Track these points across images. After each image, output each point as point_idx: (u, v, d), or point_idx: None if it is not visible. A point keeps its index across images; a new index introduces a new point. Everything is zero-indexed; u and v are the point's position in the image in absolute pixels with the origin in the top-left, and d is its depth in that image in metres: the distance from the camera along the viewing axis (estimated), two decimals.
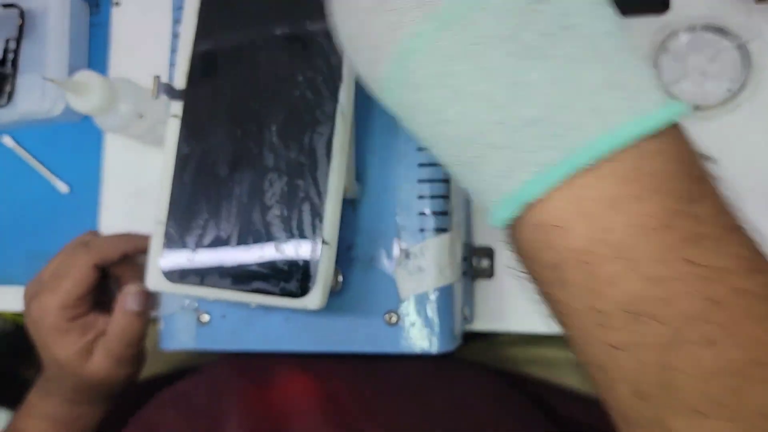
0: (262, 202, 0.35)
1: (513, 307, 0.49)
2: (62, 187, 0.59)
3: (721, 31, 0.44)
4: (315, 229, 0.34)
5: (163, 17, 0.58)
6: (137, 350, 0.49)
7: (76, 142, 0.59)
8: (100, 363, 0.47)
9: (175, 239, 0.36)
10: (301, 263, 0.34)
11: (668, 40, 0.45)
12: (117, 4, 0.60)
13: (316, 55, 0.35)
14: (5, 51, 0.57)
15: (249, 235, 0.35)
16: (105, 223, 0.58)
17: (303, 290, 0.34)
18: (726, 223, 0.20)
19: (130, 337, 0.47)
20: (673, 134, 0.20)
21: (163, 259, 0.36)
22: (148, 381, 0.59)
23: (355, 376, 0.44)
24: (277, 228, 0.35)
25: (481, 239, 0.50)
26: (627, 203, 0.19)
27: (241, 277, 0.35)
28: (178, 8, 0.46)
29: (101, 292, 0.52)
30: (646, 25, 0.46)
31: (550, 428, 0.46)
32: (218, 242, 0.36)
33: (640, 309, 0.19)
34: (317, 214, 0.34)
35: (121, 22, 0.60)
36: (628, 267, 0.19)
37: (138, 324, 0.48)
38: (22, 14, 0.57)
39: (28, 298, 0.49)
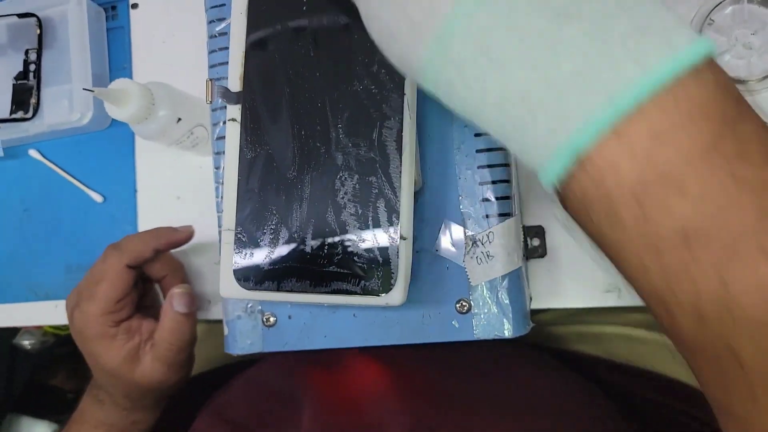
0: (334, 201, 0.35)
1: (565, 285, 0.49)
2: (96, 197, 0.58)
3: (766, 3, 0.44)
4: (392, 224, 0.34)
5: (183, 16, 0.58)
6: (187, 354, 0.48)
7: (106, 150, 0.58)
8: (151, 368, 0.47)
9: (246, 245, 0.36)
10: (381, 260, 0.34)
11: (713, 13, 0.44)
12: (135, 6, 0.59)
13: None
14: (26, 62, 0.56)
15: (324, 236, 0.35)
16: (143, 229, 0.58)
17: (385, 287, 0.34)
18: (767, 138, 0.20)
19: (180, 340, 0.47)
20: (706, 66, 0.20)
21: (236, 266, 0.36)
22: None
23: (424, 361, 0.44)
24: (352, 226, 0.34)
25: (530, 220, 0.50)
26: (672, 134, 0.20)
27: (319, 278, 0.35)
28: (211, 7, 0.45)
29: (144, 297, 0.52)
30: None
31: (610, 405, 0.47)
32: (292, 245, 0.35)
33: (694, 229, 0.19)
34: (393, 210, 0.34)
35: (141, 24, 0.59)
36: (678, 192, 0.19)
37: (187, 326, 0.47)
38: (39, 23, 0.56)
39: (70, 310, 0.48)
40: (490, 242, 0.39)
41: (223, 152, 0.42)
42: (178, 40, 0.58)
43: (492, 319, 0.39)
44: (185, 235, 0.52)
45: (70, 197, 0.58)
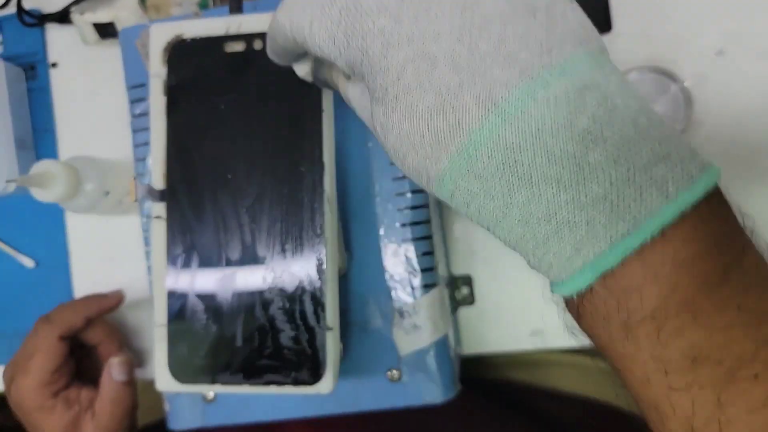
0: (262, 297, 0.36)
1: (494, 330, 0.52)
2: (28, 263, 0.57)
3: (665, 73, 0.47)
4: (318, 318, 0.36)
5: (104, 74, 0.57)
6: (130, 421, 0.49)
7: (36, 214, 0.58)
8: None
9: (178, 340, 0.37)
10: (309, 351, 0.36)
11: None
12: (54, 65, 0.58)
13: (295, 141, 0.36)
14: None
15: (253, 331, 0.36)
16: (79, 292, 0.58)
17: (315, 377, 0.36)
18: (765, 272, 0.22)
19: (122, 409, 0.48)
20: (717, 193, 0.22)
21: (169, 362, 0.37)
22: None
23: (357, 426, 0.46)
24: (280, 320, 0.36)
25: (459, 268, 0.52)
26: (691, 263, 0.21)
27: (251, 371, 0.36)
28: (132, 87, 0.45)
29: (82, 361, 0.52)
30: None
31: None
32: (223, 341, 0.36)
33: (702, 355, 0.21)
34: (318, 303, 0.36)
35: (62, 84, 0.58)
36: (692, 319, 0.21)
37: (127, 394, 0.48)
38: None
39: (7, 384, 0.49)
40: (416, 313, 0.41)
41: (151, 235, 0.42)
42: (101, 98, 0.57)
43: (421, 386, 0.41)
44: (115, 301, 0.52)
45: (0, 263, 0.58)
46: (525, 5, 0.23)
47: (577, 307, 0.23)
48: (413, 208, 0.42)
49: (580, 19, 0.23)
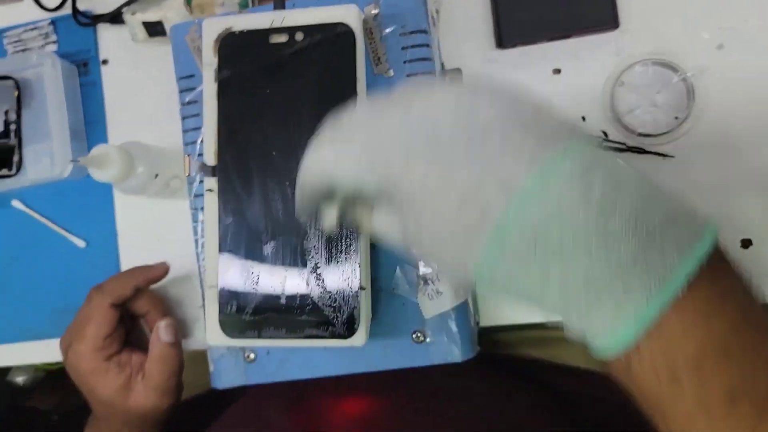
0: (303, 260, 0.40)
1: (510, 303, 0.56)
2: (79, 243, 0.62)
3: (668, 65, 0.51)
4: (353, 277, 0.40)
5: (152, 70, 0.62)
6: (177, 380, 0.54)
7: (86, 197, 0.63)
8: (145, 396, 0.52)
9: (228, 300, 0.41)
10: (345, 309, 0.40)
11: (624, 74, 0.51)
12: (105, 62, 0.63)
13: None
14: (6, 122, 0.60)
15: (296, 290, 0.41)
16: (126, 269, 0.62)
17: (349, 332, 0.40)
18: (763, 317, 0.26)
19: (170, 368, 0.52)
20: (719, 245, 0.25)
21: (220, 318, 0.41)
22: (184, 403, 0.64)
23: (383, 389, 0.50)
24: (320, 280, 0.40)
25: None
26: (719, 309, 0.24)
27: (294, 326, 0.41)
28: (181, 78, 0.50)
29: (131, 332, 0.57)
30: (606, 59, 0.53)
31: (552, 407, 0.54)
32: (269, 298, 0.41)
33: (737, 394, 0.24)
34: (355, 265, 0.40)
35: (112, 79, 0.63)
36: (727, 362, 0.24)
37: (174, 354, 0.53)
38: (17, 85, 0.60)
39: (64, 350, 0.53)
40: (439, 280, 0.45)
41: (202, 209, 0.47)
42: (149, 93, 0.63)
43: (443, 347, 0.45)
44: (161, 271, 0.57)
45: (53, 243, 0.63)
46: (515, 111, 0.26)
47: (625, 364, 0.25)
48: None
49: (563, 117, 0.27)
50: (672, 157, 0.52)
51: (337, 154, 0.28)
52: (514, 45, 0.55)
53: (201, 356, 0.53)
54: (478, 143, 0.25)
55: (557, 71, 0.55)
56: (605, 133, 0.53)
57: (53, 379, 0.93)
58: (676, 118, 0.51)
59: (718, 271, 0.25)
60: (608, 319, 0.24)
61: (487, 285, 0.26)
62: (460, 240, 0.25)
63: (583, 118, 0.54)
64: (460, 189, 0.25)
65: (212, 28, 0.43)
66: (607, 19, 0.53)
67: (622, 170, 0.25)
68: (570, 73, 0.55)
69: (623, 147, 0.52)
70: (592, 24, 0.53)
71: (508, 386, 0.55)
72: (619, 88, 0.52)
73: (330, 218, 0.34)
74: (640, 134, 0.52)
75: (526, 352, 0.64)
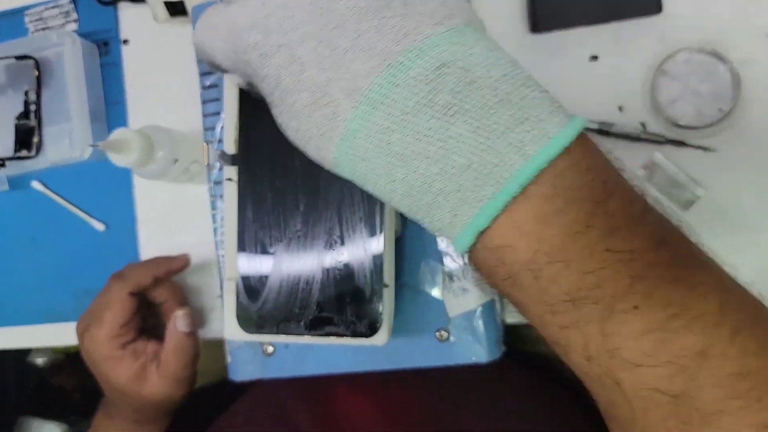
0: (325, 254, 0.39)
1: None
2: (98, 226, 0.62)
3: (714, 54, 0.48)
4: (376, 275, 0.38)
5: (172, 51, 0.61)
6: (191, 370, 0.53)
7: (106, 180, 0.62)
8: (159, 385, 0.51)
9: (247, 293, 0.40)
10: (368, 307, 0.38)
11: (665, 63, 0.48)
12: (126, 42, 0.62)
13: None
14: (26, 103, 0.59)
15: (318, 285, 0.39)
16: (144, 254, 0.62)
17: (371, 330, 0.38)
18: (634, 211, 0.24)
19: (185, 358, 0.52)
20: (580, 146, 0.24)
21: (238, 312, 0.40)
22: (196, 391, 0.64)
23: (406, 387, 0.48)
24: (342, 277, 0.39)
25: None
26: (553, 216, 0.23)
27: (313, 323, 0.39)
28: (201, 61, 0.48)
29: (147, 321, 0.56)
30: (647, 45, 0.50)
31: (577, 408, 0.52)
32: (289, 293, 0.39)
33: (578, 296, 0.24)
34: (377, 262, 0.38)
35: (132, 60, 0.62)
36: (563, 266, 0.23)
37: (190, 344, 0.52)
38: (37, 65, 0.59)
39: (80, 334, 0.53)
40: (465, 278, 0.44)
41: (221, 196, 0.46)
42: (170, 74, 0.61)
43: (468, 346, 0.44)
44: (181, 263, 0.56)
45: (73, 226, 0.62)
46: (380, 2, 0.25)
47: (472, 262, 0.26)
48: None
49: None
50: (714, 151, 0.49)
51: (211, 40, 0.29)
52: (549, 29, 0.52)
53: (216, 343, 0.52)
54: (330, 36, 0.25)
55: (594, 58, 0.52)
56: (644, 125, 0.50)
57: (73, 360, 0.94)
58: (720, 110, 0.48)
59: (563, 174, 0.24)
60: (446, 222, 0.25)
61: (350, 177, 0.27)
62: (315, 138, 0.26)
63: (621, 108, 0.51)
64: (310, 89, 0.25)
65: None
66: (650, 4, 0.50)
67: (484, 65, 0.24)
68: (608, 60, 0.52)
69: (662, 139, 0.49)
70: (633, 8, 0.50)
71: (530, 384, 0.53)
72: (660, 77, 0.49)
73: (235, 80, 0.34)
74: (681, 126, 0.49)
75: (550, 350, 0.62)
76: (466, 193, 0.24)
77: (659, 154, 0.49)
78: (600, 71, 0.52)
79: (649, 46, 0.51)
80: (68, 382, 0.94)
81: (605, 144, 0.51)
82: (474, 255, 0.26)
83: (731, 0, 0.50)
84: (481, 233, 0.24)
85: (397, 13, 0.25)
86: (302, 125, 0.26)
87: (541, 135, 0.23)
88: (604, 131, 0.50)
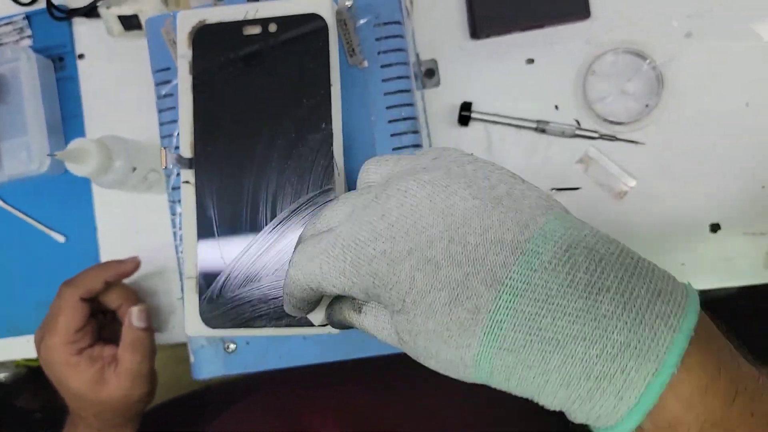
0: (283, 246, 0.41)
1: None
2: (59, 238, 0.62)
3: (639, 54, 0.52)
4: None
5: (127, 65, 0.62)
6: (149, 366, 0.54)
7: (65, 192, 0.63)
8: (117, 386, 0.52)
9: (207, 290, 0.42)
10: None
11: (594, 63, 0.52)
12: (81, 56, 0.63)
13: (307, 111, 0.41)
14: None
15: (275, 278, 0.41)
16: None
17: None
18: (754, 371, 0.26)
19: (141, 351, 0.53)
20: (701, 311, 0.25)
21: (200, 309, 0.42)
22: (164, 405, 0.65)
23: (372, 395, 0.51)
24: None
25: None
26: (712, 384, 0.24)
27: (272, 315, 0.41)
28: (156, 71, 0.50)
29: (105, 329, 0.57)
30: (578, 48, 0.54)
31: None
32: (248, 288, 0.41)
33: None
34: None
35: (88, 74, 0.63)
36: (722, 429, 0.24)
37: (146, 339, 0.53)
38: None
39: (37, 344, 0.54)
40: None
41: (179, 201, 0.48)
42: (125, 86, 0.63)
43: None
44: (132, 266, 0.57)
45: (33, 239, 0.63)
46: (490, 198, 0.26)
47: None
48: None
49: (537, 192, 0.27)
50: (643, 144, 0.53)
51: (321, 264, 0.28)
52: (488, 35, 0.56)
53: (183, 354, 0.53)
54: (459, 238, 0.25)
55: (531, 61, 0.56)
56: (578, 122, 0.54)
57: (35, 376, 0.93)
58: (647, 105, 0.52)
59: (707, 340, 0.24)
60: (611, 406, 0.24)
61: (488, 378, 0.26)
62: (455, 336, 0.25)
63: (556, 107, 0.55)
64: (449, 286, 0.25)
65: (186, 21, 0.43)
66: (579, 9, 0.54)
67: (601, 243, 0.25)
68: (543, 63, 0.56)
69: (595, 135, 0.53)
70: (564, 14, 0.54)
71: None
72: (590, 77, 0.53)
73: (318, 319, 0.34)
74: (611, 122, 0.53)
75: None
76: (630, 374, 0.23)
77: (593, 149, 0.52)
78: (536, 73, 0.56)
79: (580, 48, 0.54)
80: (32, 402, 0.93)
81: (543, 140, 0.55)
82: None
83: (654, 4, 0.55)
84: (650, 413, 0.24)
85: (511, 207, 0.26)
86: (439, 325, 0.25)
87: (676, 305, 0.24)
88: (542, 129, 0.53)
